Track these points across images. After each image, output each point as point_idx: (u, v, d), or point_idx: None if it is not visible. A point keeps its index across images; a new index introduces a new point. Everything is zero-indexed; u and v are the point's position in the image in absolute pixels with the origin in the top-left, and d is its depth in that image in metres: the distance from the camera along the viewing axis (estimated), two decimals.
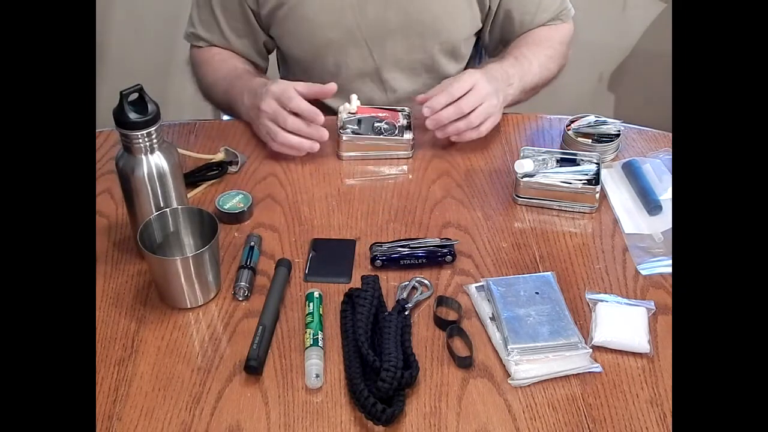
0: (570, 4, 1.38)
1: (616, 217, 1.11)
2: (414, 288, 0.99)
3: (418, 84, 1.36)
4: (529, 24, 1.34)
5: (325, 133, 1.17)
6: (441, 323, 0.94)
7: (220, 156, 1.20)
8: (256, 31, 1.34)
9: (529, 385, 0.87)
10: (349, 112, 1.23)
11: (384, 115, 1.23)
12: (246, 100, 1.23)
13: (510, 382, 0.87)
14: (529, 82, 1.28)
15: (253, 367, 0.88)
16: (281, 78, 1.48)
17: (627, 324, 0.92)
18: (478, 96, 1.15)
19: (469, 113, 1.15)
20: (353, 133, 1.20)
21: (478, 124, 1.16)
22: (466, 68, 1.44)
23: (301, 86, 1.17)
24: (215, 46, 1.36)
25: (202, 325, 0.95)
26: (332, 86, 1.18)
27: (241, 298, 0.98)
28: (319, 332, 0.91)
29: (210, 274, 0.96)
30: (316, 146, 1.18)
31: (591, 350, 0.90)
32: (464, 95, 1.15)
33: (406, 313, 0.94)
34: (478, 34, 1.39)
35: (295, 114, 1.16)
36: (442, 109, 1.15)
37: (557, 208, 1.12)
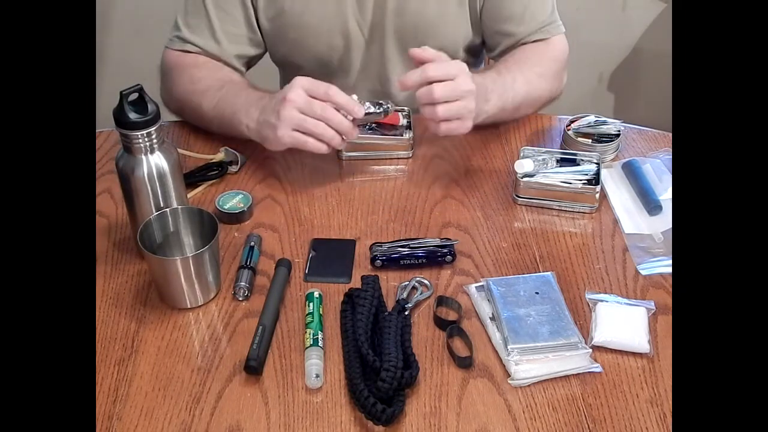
0: (560, 21, 1.31)
1: (616, 217, 1.11)
2: (414, 288, 0.99)
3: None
4: (515, 32, 1.28)
5: (356, 131, 1.10)
6: (441, 323, 0.94)
7: (220, 156, 1.20)
8: (254, 34, 1.30)
9: (529, 385, 0.87)
10: None
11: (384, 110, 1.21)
12: (253, 113, 1.13)
13: (510, 382, 0.87)
14: (511, 99, 1.20)
15: (253, 367, 0.88)
16: (281, 83, 1.48)
17: (627, 324, 0.92)
18: (457, 90, 1.06)
19: (440, 104, 1.06)
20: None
21: (441, 119, 1.07)
22: None
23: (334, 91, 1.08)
24: (201, 51, 1.27)
25: (202, 325, 0.95)
26: (362, 111, 1.10)
27: (241, 298, 0.98)
28: (319, 332, 0.91)
29: (210, 274, 0.96)
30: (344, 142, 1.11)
31: (591, 350, 0.90)
32: (442, 82, 1.06)
33: (406, 313, 0.94)
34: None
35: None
36: (414, 86, 1.07)
37: (557, 208, 1.12)
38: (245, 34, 1.30)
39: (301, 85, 1.07)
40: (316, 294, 0.96)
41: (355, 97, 1.21)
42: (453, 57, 1.31)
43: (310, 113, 1.07)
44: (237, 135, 1.18)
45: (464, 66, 1.09)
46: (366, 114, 1.11)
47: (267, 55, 1.38)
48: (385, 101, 1.15)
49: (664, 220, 1.09)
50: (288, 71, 1.42)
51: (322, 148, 1.09)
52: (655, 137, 1.27)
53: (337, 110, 1.08)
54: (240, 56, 1.30)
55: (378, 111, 1.13)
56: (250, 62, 1.35)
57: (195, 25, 1.27)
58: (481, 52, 1.42)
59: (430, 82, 1.06)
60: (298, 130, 1.07)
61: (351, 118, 1.09)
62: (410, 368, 0.86)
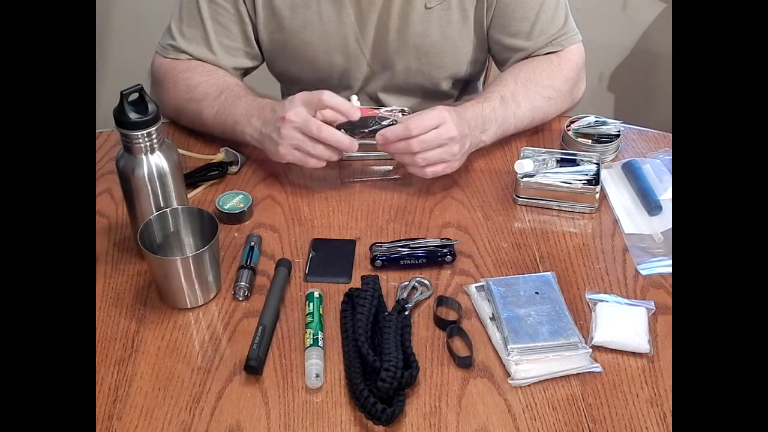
0: (574, 30, 1.27)
1: (616, 217, 1.11)
2: (414, 288, 0.99)
3: (412, 103, 1.36)
4: (524, 47, 1.26)
5: (355, 144, 1.09)
6: (441, 323, 0.94)
7: (220, 156, 1.20)
8: (251, 48, 1.28)
9: (529, 385, 0.87)
10: None
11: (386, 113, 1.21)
12: (256, 122, 1.13)
13: (510, 382, 0.87)
14: (513, 127, 1.19)
15: (253, 367, 0.88)
16: (282, 92, 1.48)
17: (627, 324, 0.92)
18: (438, 138, 1.06)
19: (420, 152, 1.07)
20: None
21: (422, 165, 1.08)
22: (467, 91, 1.43)
23: (328, 97, 1.08)
24: (196, 59, 1.26)
25: (202, 325, 0.95)
26: (357, 113, 1.09)
27: (241, 298, 0.98)
28: (319, 332, 0.92)
29: (210, 274, 0.96)
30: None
31: (591, 350, 0.90)
32: (424, 133, 1.06)
33: (406, 313, 0.94)
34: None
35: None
36: (395, 141, 1.07)
37: (557, 208, 1.12)
38: (241, 48, 1.28)
39: (301, 100, 1.08)
40: (316, 294, 0.96)
41: (354, 98, 1.21)
42: (457, 74, 1.31)
43: (308, 132, 1.07)
44: (240, 142, 1.18)
45: (446, 114, 1.07)
46: (372, 126, 1.11)
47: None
48: (391, 109, 1.15)
49: (664, 220, 1.09)
50: (286, 84, 1.42)
51: (322, 165, 1.11)
52: (655, 137, 1.27)
53: (337, 126, 1.08)
54: (236, 68, 1.29)
55: (383, 124, 1.12)
56: (246, 72, 1.34)
57: (191, 36, 1.25)
58: (485, 64, 1.41)
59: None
60: (299, 150, 1.09)
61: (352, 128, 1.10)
62: (410, 368, 0.86)
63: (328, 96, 1.07)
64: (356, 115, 1.08)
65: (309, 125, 1.07)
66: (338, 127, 1.11)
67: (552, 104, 1.24)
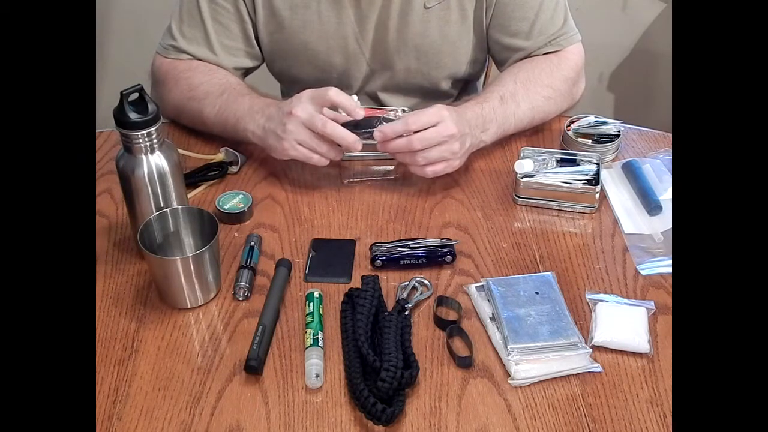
0: (574, 30, 1.27)
1: (616, 217, 1.11)
2: (414, 288, 0.99)
3: (412, 102, 1.36)
4: (523, 47, 1.25)
5: (360, 143, 1.09)
6: (441, 323, 0.94)
7: (220, 156, 1.20)
8: (251, 48, 1.29)
9: (529, 385, 0.87)
10: None
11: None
12: (259, 119, 1.13)
13: (510, 382, 0.87)
14: (513, 126, 1.19)
15: (253, 367, 0.88)
16: (282, 92, 1.48)
17: (627, 324, 0.92)
18: (438, 135, 1.06)
19: (421, 150, 1.07)
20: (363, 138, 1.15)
21: (423, 164, 1.08)
22: (466, 91, 1.43)
23: (335, 94, 1.08)
24: (197, 59, 1.26)
25: (202, 325, 0.95)
26: (362, 113, 1.09)
27: (241, 298, 0.98)
28: (319, 332, 0.92)
29: (210, 274, 0.96)
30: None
31: (591, 350, 0.90)
32: (423, 129, 1.06)
33: (406, 313, 0.94)
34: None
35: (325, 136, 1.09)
36: (395, 137, 1.07)
37: (557, 208, 1.12)
38: (242, 47, 1.28)
39: (308, 96, 1.08)
40: (316, 294, 0.96)
41: (355, 98, 1.20)
42: (456, 74, 1.31)
43: (313, 128, 1.07)
44: (240, 140, 1.18)
45: (444, 112, 1.07)
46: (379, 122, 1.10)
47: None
48: (393, 109, 1.15)
49: (664, 220, 1.09)
50: (286, 84, 1.42)
51: (325, 162, 1.11)
52: (655, 137, 1.27)
53: (342, 123, 1.08)
54: (237, 68, 1.29)
55: (391, 118, 1.12)
56: (247, 73, 1.34)
57: (191, 36, 1.25)
58: (484, 64, 1.41)
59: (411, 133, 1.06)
60: (302, 145, 1.09)
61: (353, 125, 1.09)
62: (410, 368, 0.86)
63: (335, 92, 1.08)
64: (360, 115, 1.08)
65: (314, 120, 1.07)
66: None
67: (551, 104, 1.24)
